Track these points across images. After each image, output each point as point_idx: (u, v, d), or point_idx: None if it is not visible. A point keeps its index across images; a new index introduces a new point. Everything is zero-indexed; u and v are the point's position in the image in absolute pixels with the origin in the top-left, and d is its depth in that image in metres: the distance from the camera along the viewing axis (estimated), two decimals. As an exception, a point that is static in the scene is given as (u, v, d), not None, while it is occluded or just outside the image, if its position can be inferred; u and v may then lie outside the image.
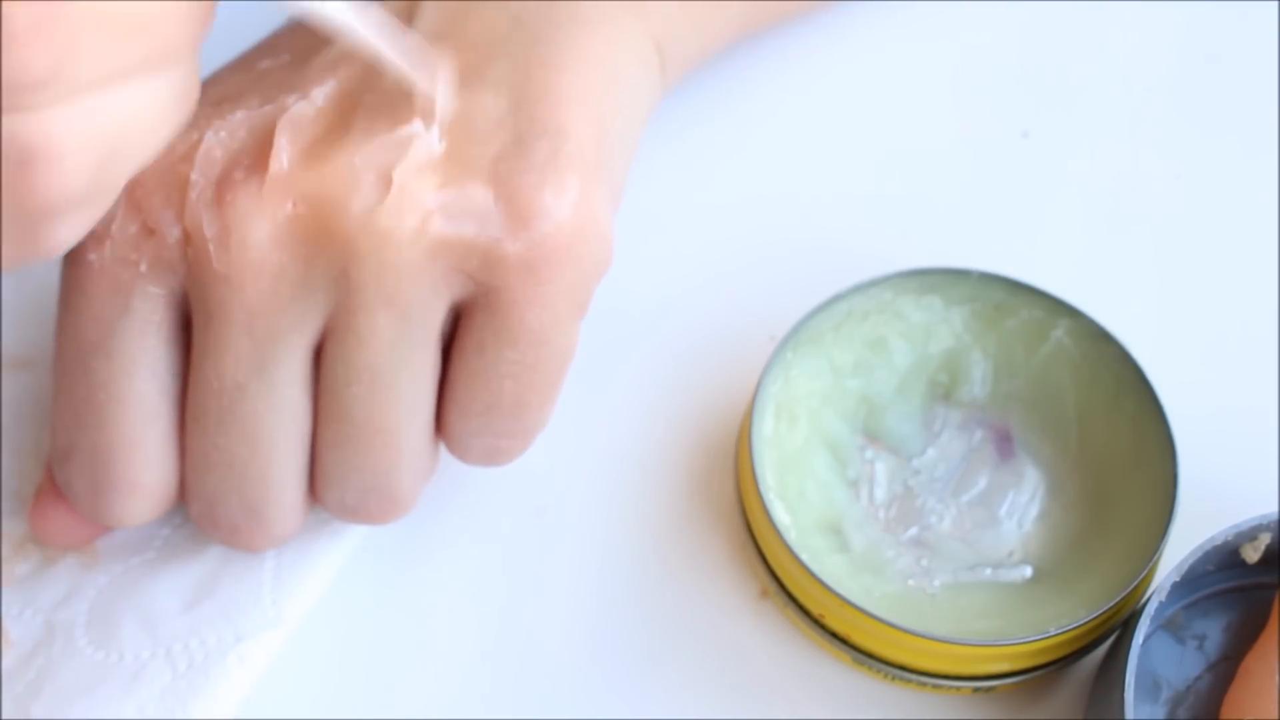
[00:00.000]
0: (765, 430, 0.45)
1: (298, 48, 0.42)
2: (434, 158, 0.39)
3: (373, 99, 0.40)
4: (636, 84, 0.44)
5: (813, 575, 0.43)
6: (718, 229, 0.52)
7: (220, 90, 0.42)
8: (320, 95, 0.40)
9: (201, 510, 0.42)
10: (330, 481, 0.41)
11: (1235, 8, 0.56)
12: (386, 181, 0.38)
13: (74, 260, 0.40)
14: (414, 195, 0.38)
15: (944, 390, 0.47)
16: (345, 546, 0.45)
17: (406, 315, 0.39)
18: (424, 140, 0.39)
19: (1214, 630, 0.44)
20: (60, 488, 0.42)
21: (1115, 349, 0.46)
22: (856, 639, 0.43)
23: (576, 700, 0.44)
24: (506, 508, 0.47)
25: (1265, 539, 0.42)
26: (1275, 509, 0.43)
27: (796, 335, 0.46)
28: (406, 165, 0.38)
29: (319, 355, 0.40)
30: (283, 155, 0.39)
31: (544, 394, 0.41)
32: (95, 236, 0.39)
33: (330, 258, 0.38)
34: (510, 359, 0.40)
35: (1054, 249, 0.52)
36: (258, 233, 0.38)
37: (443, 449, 0.43)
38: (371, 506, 0.42)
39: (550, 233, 0.39)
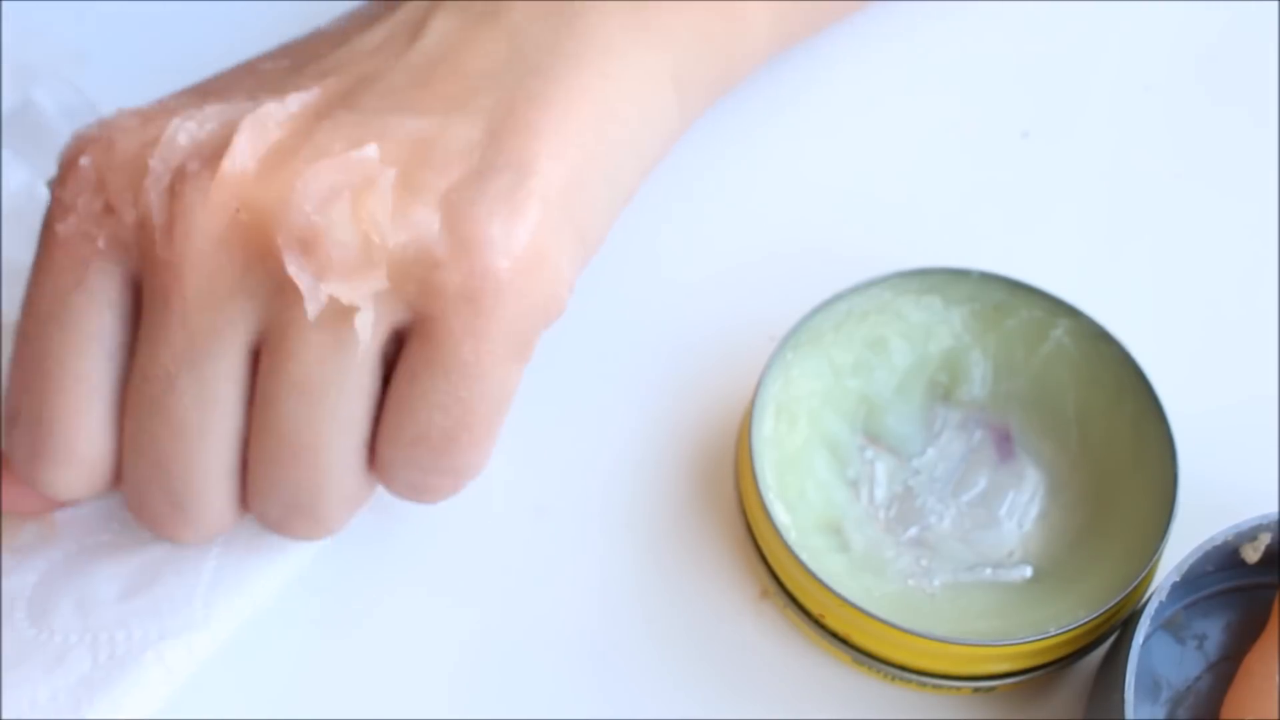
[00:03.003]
0: (765, 430, 0.45)
1: (301, 55, 0.42)
2: (386, 180, 0.38)
3: (345, 114, 0.40)
4: (638, 122, 0.44)
5: (813, 575, 0.43)
6: (717, 229, 0.52)
7: (215, 86, 0.42)
8: (296, 101, 0.40)
9: (131, 495, 0.41)
10: (257, 493, 0.41)
11: (1234, 8, 0.56)
12: (330, 200, 0.38)
13: (45, 227, 0.40)
14: (360, 226, 0.38)
15: (944, 390, 0.47)
16: (293, 562, 0.44)
17: (340, 336, 0.39)
18: (375, 164, 0.38)
19: (1214, 630, 0.44)
20: (6, 453, 0.42)
21: (1115, 349, 0.46)
22: (856, 639, 0.43)
23: (576, 700, 0.44)
24: (506, 508, 0.47)
25: (1265, 539, 0.42)
26: (1275, 509, 0.43)
27: (796, 335, 0.46)
28: (354, 186, 0.38)
29: (258, 360, 0.40)
30: (237, 154, 0.38)
31: (475, 434, 0.41)
32: (63, 207, 0.40)
33: (268, 268, 0.38)
34: (440, 390, 0.40)
35: (1054, 249, 0.52)
36: (201, 228, 0.38)
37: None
38: (295, 524, 0.42)
39: (493, 266, 0.39)
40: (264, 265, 0.38)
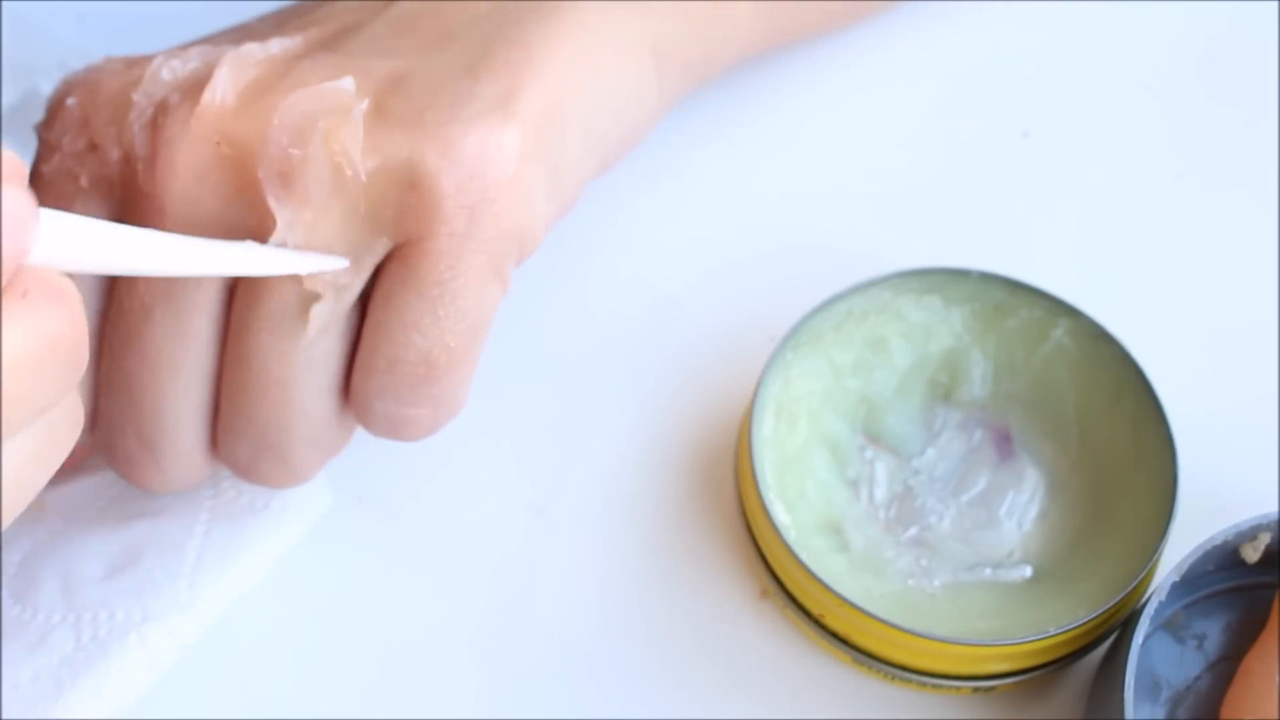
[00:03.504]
0: (765, 430, 0.45)
1: (289, 14, 0.43)
2: (359, 111, 0.38)
3: (325, 56, 0.40)
4: (616, 79, 0.44)
5: (813, 575, 0.43)
6: (718, 229, 0.52)
7: (199, 40, 0.43)
8: (278, 45, 0.40)
9: (102, 435, 0.41)
10: (227, 431, 0.41)
11: (1234, 8, 0.56)
12: (306, 132, 0.38)
13: (32, 171, 0.40)
14: (333, 158, 0.38)
15: (944, 390, 0.47)
16: (279, 542, 0.44)
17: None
18: (349, 94, 0.38)
19: (1214, 630, 0.44)
20: None
21: (1115, 349, 0.46)
22: (856, 639, 0.43)
23: (576, 700, 0.44)
24: (506, 508, 0.47)
25: (1265, 539, 0.42)
26: (1275, 509, 0.43)
27: (796, 335, 0.46)
28: (328, 116, 0.38)
29: (233, 295, 0.40)
30: (217, 88, 0.39)
31: (452, 356, 0.40)
32: (48, 148, 0.40)
33: (248, 201, 0.38)
34: (416, 309, 0.39)
35: (1054, 249, 0.52)
36: (183, 160, 0.38)
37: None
38: (263, 466, 0.41)
39: (469, 182, 0.39)
40: (245, 198, 0.38)
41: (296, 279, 0.38)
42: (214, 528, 0.44)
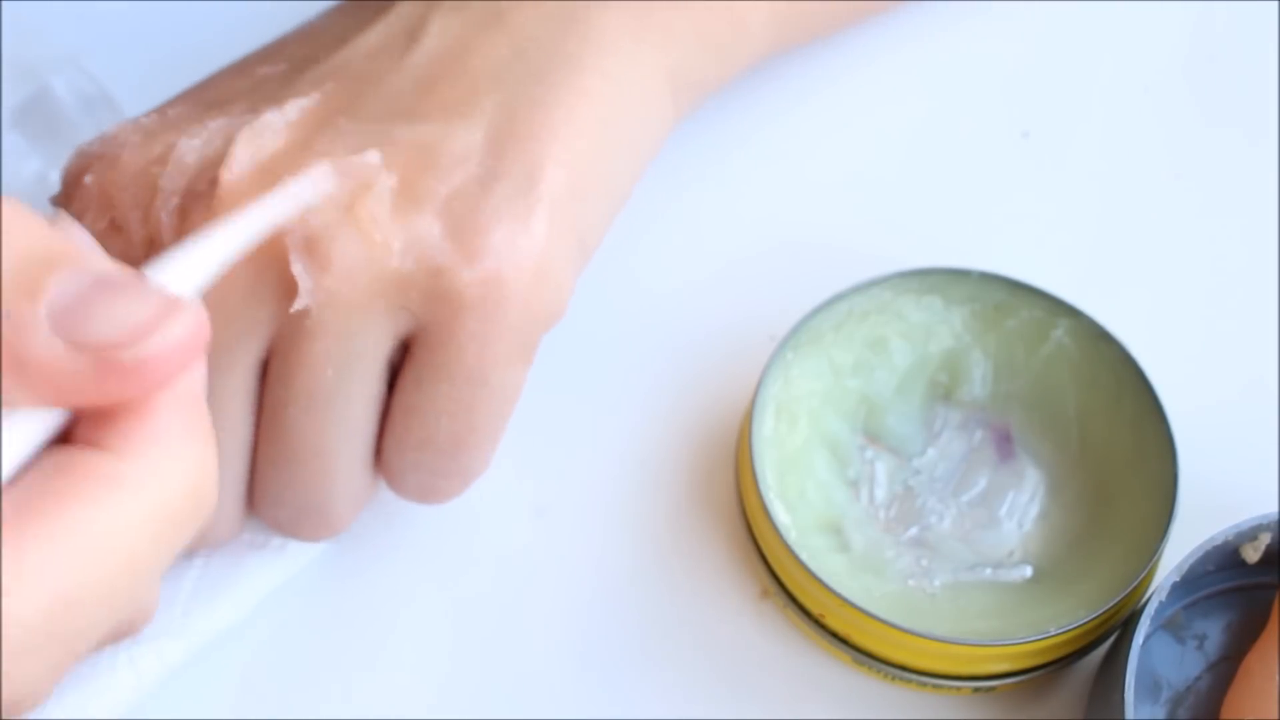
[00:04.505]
0: (765, 430, 0.45)
1: (298, 57, 0.42)
2: (386, 189, 0.38)
3: (346, 123, 0.40)
4: (637, 123, 0.44)
5: (813, 575, 0.43)
6: (718, 229, 0.52)
7: (214, 93, 0.42)
8: (295, 108, 0.40)
9: None
10: (266, 497, 0.42)
11: (1234, 8, 0.56)
12: (333, 210, 0.38)
13: None
14: (360, 226, 0.38)
15: (944, 390, 0.47)
16: (275, 577, 0.45)
17: (346, 345, 0.39)
18: (376, 168, 0.38)
19: (1214, 630, 0.44)
20: None
21: (1115, 349, 0.46)
22: (856, 639, 0.43)
23: (576, 700, 0.44)
24: (506, 508, 0.47)
25: (1265, 539, 0.42)
26: (1275, 509, 0.43)
27: (796, 335, 0.46)
28: (354, 195, 0.38)
29: (266, 370, 0.40)
30: (235, 164, 0.38)
31: (481, 435, 0.41)
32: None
33: (275, 281, 0.38)
34: (446, 395, 0.40)
35: (1054, 249, 0.52)
36: None
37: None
38: (304, 525, 0.42)
39: (496, 272, 0.39)
40: (271, 278, 0.38)
41: (327, 359, 0.39)
42: (213, 560, 0.44)
